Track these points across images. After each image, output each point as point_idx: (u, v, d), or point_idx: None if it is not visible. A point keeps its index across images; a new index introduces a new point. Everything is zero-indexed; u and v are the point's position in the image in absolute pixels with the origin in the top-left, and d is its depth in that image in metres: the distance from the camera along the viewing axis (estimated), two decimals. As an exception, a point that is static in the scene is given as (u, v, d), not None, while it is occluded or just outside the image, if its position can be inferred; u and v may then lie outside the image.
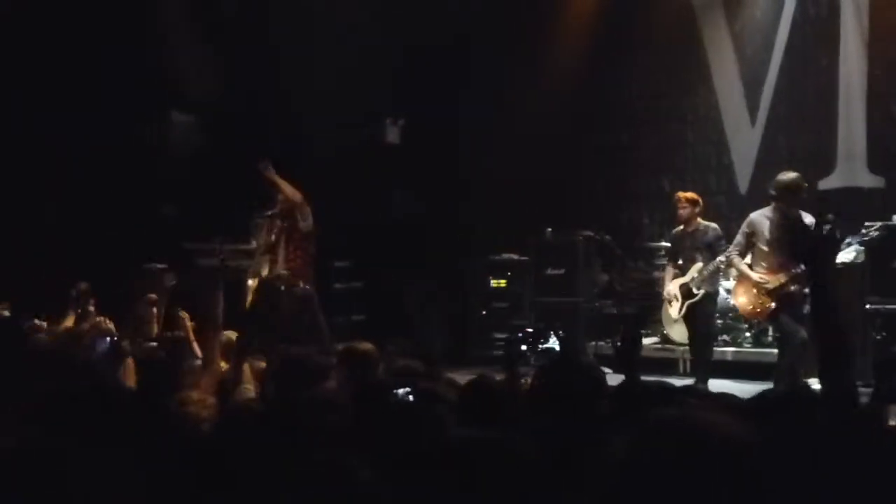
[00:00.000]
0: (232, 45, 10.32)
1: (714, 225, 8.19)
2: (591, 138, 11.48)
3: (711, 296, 8.16)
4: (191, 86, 10.15)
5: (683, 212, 8.12)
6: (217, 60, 10.30)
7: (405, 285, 10.75)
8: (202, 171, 10.03)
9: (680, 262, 8.28)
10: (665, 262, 8.94)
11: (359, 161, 11.16)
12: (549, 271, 10.37)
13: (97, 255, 8.72)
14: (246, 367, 3.57)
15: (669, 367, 8.94)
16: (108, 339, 4.83)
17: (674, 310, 8.32)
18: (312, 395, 2.77)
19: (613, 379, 3.32)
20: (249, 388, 3.51)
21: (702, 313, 8.12)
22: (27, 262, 8.44)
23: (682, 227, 8.22)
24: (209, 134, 10.35)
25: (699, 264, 8.06)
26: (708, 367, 7.98)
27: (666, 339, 9.16)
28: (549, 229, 10.53)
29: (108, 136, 9.55)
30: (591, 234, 10.33)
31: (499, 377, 4.02)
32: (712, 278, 8.09)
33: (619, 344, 3.38)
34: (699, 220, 8.15)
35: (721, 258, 7.78)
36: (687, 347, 9.02)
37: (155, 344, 4.68)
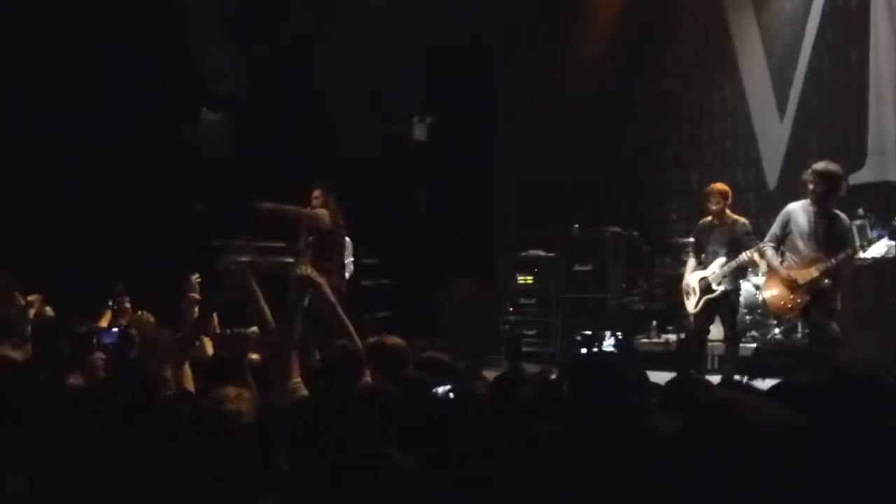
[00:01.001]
0: (259, 44, 10.38)
1: (744, 220, 7.91)
2: (618, 134, 11.46)
3: (730, 293, 7.84)
4: (219, 84, 10.23)
5: (717, 207, 7.82)
6: (244, 59, 10.37)
7: (437, 282, 10.78)
8: (231, 169, 10.10)
9: (704, 254, 7.93)
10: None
11: (386, 159, 11.21)
12: (577, 267, 10.35)
13: (129, 252, 8.83)
14: (294, 361, 3.61)
15: (698, 362, 8.88)
16: (116, 329, 4.87)
17: (690, 303, 7.99)
18: (361, 389, 2.81)
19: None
20: (299, 383, 3.55)
21: (724, 312, 7.83)
22: (61, 261, 8.54)
23: (710, 218, 7.93)
24: (238, 132, 10.42)
25: (722, 259, 7.76)
26: (734, 364, 7.88)
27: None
28: (577, 226, 10.52)
29: (137, 134, 9.64)
30: (618, 230, 10.32)
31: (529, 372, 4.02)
32: (734, 275, 7.80)
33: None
34: (729, 212, 7.90)
35: (746, 254, 7.57)
36: (716, 343, 8.97)
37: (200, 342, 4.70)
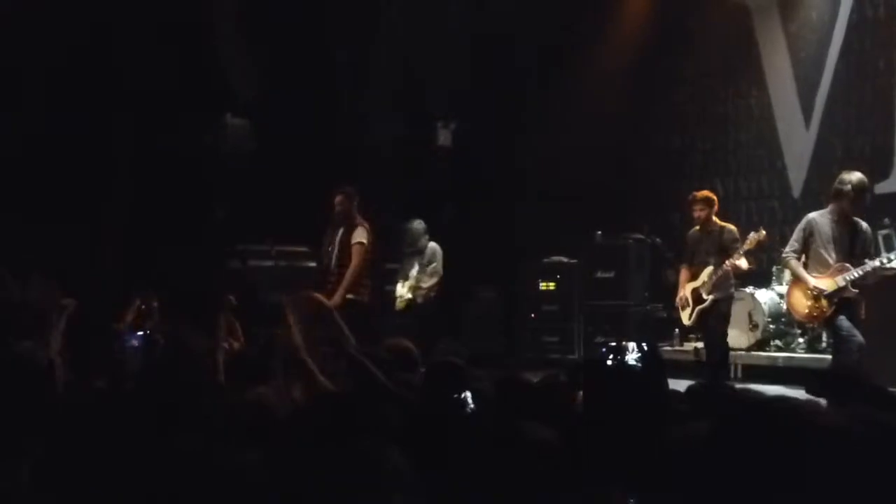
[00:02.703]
0: (285, 48, 10.42)
1: (731, 226, 7.81)
2: (642, 141, 11.43)
3: (720, 302, 7.70)
4: (243, 89, 10.29)
5: (701, 213, 7.73)
6: (267, 64, 10.42)
7: (460, 288, 10.77)
8: (255, 174, 10.16)
9: (694, 264, 7.83)
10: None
11: (409, 164, 11.23)
12: (599, 274, 10.34)
13: (152, 255, 8.89)
14: (311, 364, 3.61)
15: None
16: (141, 332, 4.90)
17: (685, 315, 7.88)
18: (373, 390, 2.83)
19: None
20: (326, 383, 3.56)
21: (715, 320, 7.73)
22: (86, 266, 8.60)
23: (698, 228, 7.85)
24: (262, 137, 10.47)
25: (710, 268, 7.67)
26: (726, 373, 7.77)
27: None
28: (599, 232, 10.50)
29: (163, 139, 9.71)
30: (641, 236, 10.28)
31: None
32: (723, 283, 7.69)
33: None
34: (715, 219, 7.79)
35: (728, 263, 7.50)
36: (740, 352, 8.93)
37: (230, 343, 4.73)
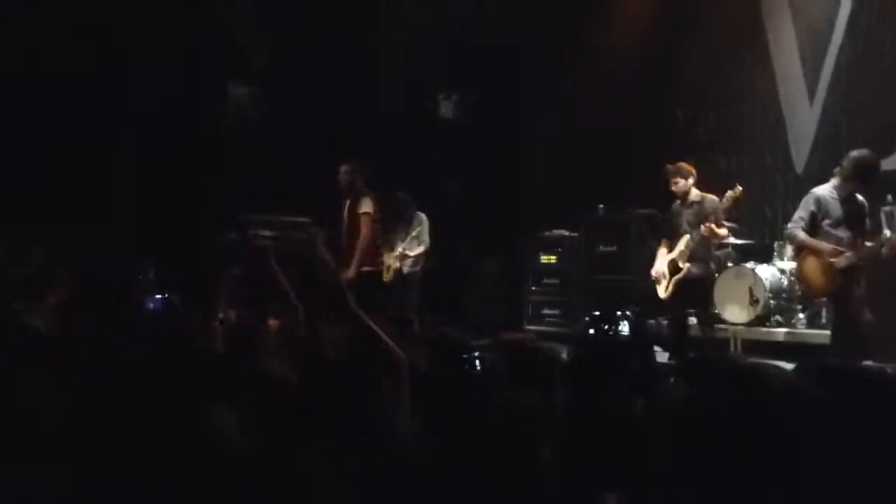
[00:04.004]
0: (289, 21, 10.37)
1: (713, 197, 7.65)
2: (645, 115, 11.37)
3: (699, 277, 7.60)
4: (248, 60, 10.25)
5: (675, 188, 7.66)
6: (273, 35, 10.37)
7: (463, 261, 10.79)
8: (258, 144, 10.14)
9: (675, 237, 7.75)
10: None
11: (412, 136, 11.21)
12: (601, 248, 10.33)
13: (156, 228, 8.90)
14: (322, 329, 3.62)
15: (721, 346, 8.83)
16: (159, 296, 4.87)
17: (661, 289, 7.77)
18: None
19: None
20: (330, 350, 3.57)
21: (696, 293, 7.62)
22: (91, 236, 8.60)
23: (679, 201, 7.77)
24: (265, 106, 10.44)
25: (686, 237, 7.55)
26: (711, 346, 7.73)
27: (717, 319, 9.01)
28: (602, 206, 10.48)
29: (166, 109, 9.67)
30: (643, 211, 10.27)
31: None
32: (701, 253, 7.55)
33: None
34: (694, 191, 7.71)
35: (703, 227, 7.41)
36: (740, 327, 8.93)
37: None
